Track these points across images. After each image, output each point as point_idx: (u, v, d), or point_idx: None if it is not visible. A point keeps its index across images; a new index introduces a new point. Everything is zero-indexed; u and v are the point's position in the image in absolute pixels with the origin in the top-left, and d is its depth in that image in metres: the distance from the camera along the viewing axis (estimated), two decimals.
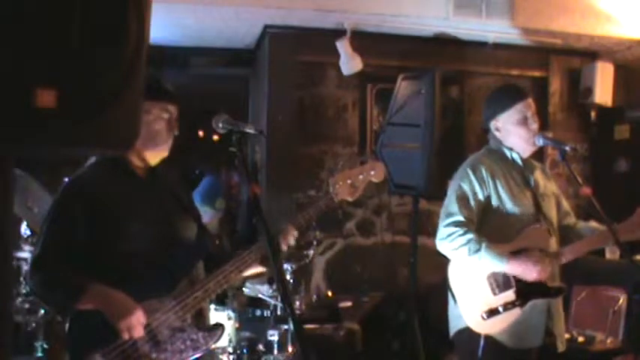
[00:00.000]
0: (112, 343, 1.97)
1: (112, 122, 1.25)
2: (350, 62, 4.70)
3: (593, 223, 2.82)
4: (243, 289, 3.86)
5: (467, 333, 2.64)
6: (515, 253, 2.60)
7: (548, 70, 5.45)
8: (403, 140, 3.86)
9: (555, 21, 4.79)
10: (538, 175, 2.82)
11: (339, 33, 4.71)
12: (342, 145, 5.04)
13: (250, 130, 2.02)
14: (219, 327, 2.19)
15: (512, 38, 4.99)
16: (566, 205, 2.92)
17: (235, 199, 6.31)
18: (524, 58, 5.34)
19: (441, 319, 2.88)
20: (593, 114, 5.54)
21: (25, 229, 3.97)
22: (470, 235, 2.59)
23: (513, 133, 2.73)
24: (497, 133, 2.79)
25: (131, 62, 1.25)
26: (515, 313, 2.59)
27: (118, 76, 1.24)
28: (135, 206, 2.17)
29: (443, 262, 2.76)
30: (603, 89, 5.28)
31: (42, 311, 3.94)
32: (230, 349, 3.72)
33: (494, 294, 2.61)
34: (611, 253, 4.65)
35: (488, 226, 2.68)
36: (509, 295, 2.59)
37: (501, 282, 2.61)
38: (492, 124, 2.79)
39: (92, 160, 2.25)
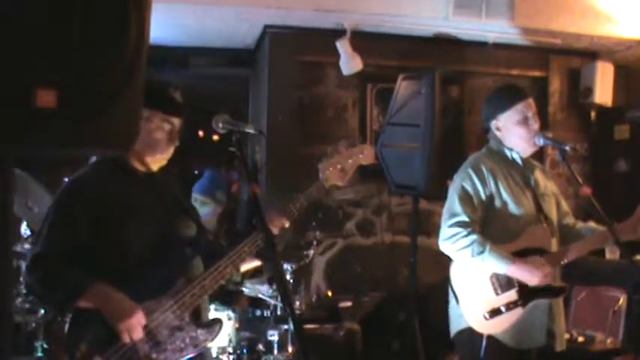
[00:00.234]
0: (111, 343, 1.97)
1: (112, 122, 1.25)
2: (350, 62, 4.70)
3: (592, 223, 2.82)
4: (243, 288, 3.86)
5: (468, 333, 2.64)
6: (519, 255, 2.60)
7: (548, 70, 5.45)
8: (403, 140, 3.86)
9: (555, 21, 4.79)
10: (538, 175, 2.82)
11: (339, 33, 4.71)
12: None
13: (250, 130, 2.02)
14: (218, 322, 2.19)
15: (512, 38, 4.99)
16: (565, 204, 2.92)
17: (235, 199, 6.30)
18: (524, 58, 5.34)
19: (441, 319, 2.88)
20: (593, 114, 5.54)
21: (25, 229, 3.97)
22: (474, 237, 2.58)
23: (514, 133, 2.73)
24: (497, 133, 2.79)
25: (131, 62, 1.26)
26: (517, 313, 2.59)
27: (118, 76, 1.24)
28: (135, 206, 2.17)
29: (443, 262, 2.76)
30: (603, 89, 5.28)
31: (42, 311, 3.93)
32: (230, 349, 3.72)
33: (497, 294, 2.61)
34: (611, 253, 4.65)
35: (489, 227, 2.68)
36: (512, 295, 2.59)
37: (504, 282, 2.61)
38: (493, 124, 2.79)
39: (92, 160, 2.25)
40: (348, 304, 4.42)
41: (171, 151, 2.24)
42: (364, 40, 4.77)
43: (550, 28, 4.82)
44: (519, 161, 2.77)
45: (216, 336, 2.18)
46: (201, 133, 8.32)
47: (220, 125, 1.97)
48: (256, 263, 2.28)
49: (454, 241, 2.62)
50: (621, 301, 3.97)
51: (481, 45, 5.05)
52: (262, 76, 5.19)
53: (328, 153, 2.34)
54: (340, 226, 5.02)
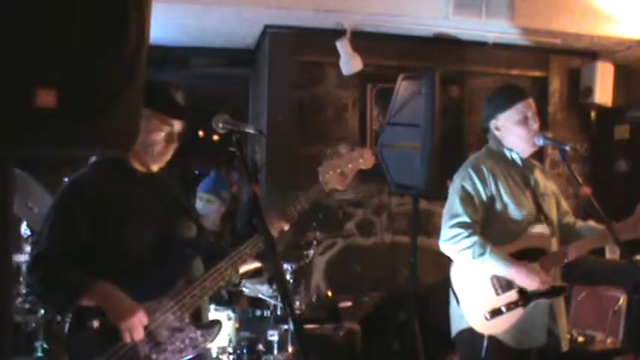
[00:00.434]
0: (112, 344, 1.97)
1: (112, 122, 1.25)
2: (350, 62, 4.70)
3: (592, 222, 2.82)
4: (243, 288, 3.86)
5: (469, 333, 2.64)
6: (519, 256, 2.59)
7: (548, 70, 5.45)
8: (403, 140, 3.86)
9: (555, 21, 4.79)
10: (538, 175, 2.81)
11: (339, 33, 4.71)
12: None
13: (250, 130, 2.02)
14: (217, 324, 2.19)
15: (512, 38, 4.99)
16: (564, 204, 2.92)
17: (235, 199, 6.30)
18: (524, 58, 5.34)
19: (441, 319, 2.87)
20: (593, 114, 5.54)
21: (25, 229, 3.97)
22: (475, 238, 2.58)
23: (513, 132, 2.73)
24: (497, 133, 2.79)
25: (131, 62, 1.26)
26: (518, 313, 2.58)
27: (118, 76, 1.24)
28: (135, 206, 2.17)
29: (443, 262, 2.76)
30: (603, 89, 5.28)
31: (42, 311, 3.93)
32: (230, 349, 3.72)
33: (497, 294, 2.60)
34: (611, 253, 4.65)
35: (489, 227, 2.68)
36: (512, 295, 2.59)
37: (504, 282, 2.61)
38: (492, 124, 2.79)
39: (92, 160, 2.25)
40: (348, 304, 4.42)
41: (170, 152, 2.24)
42: (364, 40, 4.77)
43: (550, 28, 4.82)
44: (519, 161, 2.77)
45: (215, 337, 2.18)
46: (201, 133, 8.32)
47: (220, 125, 1.97)
48: (255, 265, 2.29)
49: (455, 242, 2.61)
50: (621, 301, 3.97)
51: (481, 45, 5.05)
52: (262, 76, 5.19)
53: (328, 156, 2.34)
54: (340, 226, 5.02)
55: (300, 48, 4.89)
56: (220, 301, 3.75)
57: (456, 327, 2.75)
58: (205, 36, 5.16)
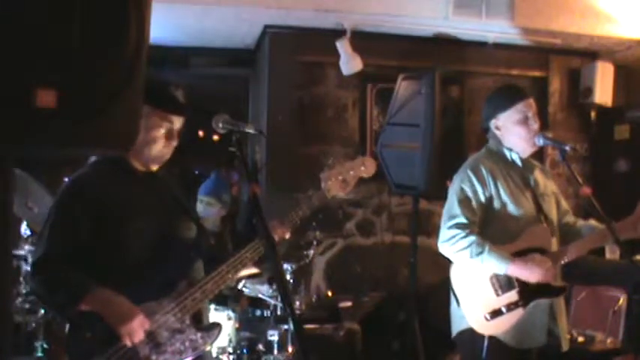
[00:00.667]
0: (112, 344, 1.97)
1: (112, 122, 1.25)
2: (350, 62, 4.70)
3: (593, 221, 2.82)
4: (244, 288, 3.86)
5: (469, 333, 2.64)
6: (518, 255, 2.60)
7: (548, 70, 5.45)
8: (403, 140, 3.86)
9: (555, 21, 4.79)
10: (538, 175, 2.81)
11: (339, 33, 4.71)
12: (342, 145, 5.05)
13: (250, 130, 2.01)
14: (217, 326, 2.19)
15: (512, 38, 4.99)
16: (564, 203, 2.92)
17: (235, 200, 6.31)
18: (524, 58, 5.34)
19: (441, 319, 2.88)
20: (593, 114, 5.54)
21: (25, 229, 3.97)
22: (472, 238, 2.58)
23: (513, 132, 2.73)
24: (497, 132, 2.79)
25: (131, 62, 1.25)
26: (519, 313, 2.59)
27: (118, 76, 1.24)
28: (135, 206, 2.17)
29: (443, 262, 2.76)
30: (603, 89, 5.28)
31: (42, 311, 3.94)
32: (230, 349, 3.72)
33: (497, 295, 2.60)
34: (611, 253, 4.65)
35: (489, 228, 2.68)
36: (512, 295, 2.59)
37: (504, 283, 2.61)
38: (492, 123, 2.79)
39: (92, 159, 2.25)
40: (348, 304, 4.42)
41: (170, 150, 2.24)
42: (364, 40, 4.77)
43: (550, 28, 4.82)
44: (519, 162, 2.76)
45: (215, 339, 2.18)
46: (201, 133, 8.32)
47: (220, 125, 1.96)
48: (253, 271, 2.30)
49: (453, 243, 2.61)
50: (621, 301, 3.97)
51: (481, 45, 5.05)
52: (262, 76, 5.19)
53: (330, 164, 2.36)
54: (340, 226, 5.02)
55: (300, 48, 4.89)
56: (221, 301, 3.75)
57: (456, 327, 2.75)
58: (205, 36, 5.16)
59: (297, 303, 3.94)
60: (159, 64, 4.83)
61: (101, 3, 1.23)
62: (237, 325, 3.80)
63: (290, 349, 3.77)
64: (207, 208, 4.24)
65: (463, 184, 2.70)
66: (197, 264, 2.25)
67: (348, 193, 2.41)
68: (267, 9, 4.49)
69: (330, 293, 4.80)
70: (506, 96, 2.79)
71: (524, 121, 2.71)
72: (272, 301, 3.86)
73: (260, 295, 3.87)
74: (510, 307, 2.58)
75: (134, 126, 1.32)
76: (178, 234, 2.25)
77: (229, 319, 3.73)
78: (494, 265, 2.57)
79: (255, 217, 1.87)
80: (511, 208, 2.67)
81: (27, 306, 3.92)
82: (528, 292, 2.59)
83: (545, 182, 2.83)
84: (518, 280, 2.59)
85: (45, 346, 3.94)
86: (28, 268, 3.39)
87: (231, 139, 1.97)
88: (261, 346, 3.89)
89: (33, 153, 1.43)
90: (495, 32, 4.88)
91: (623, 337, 3.89)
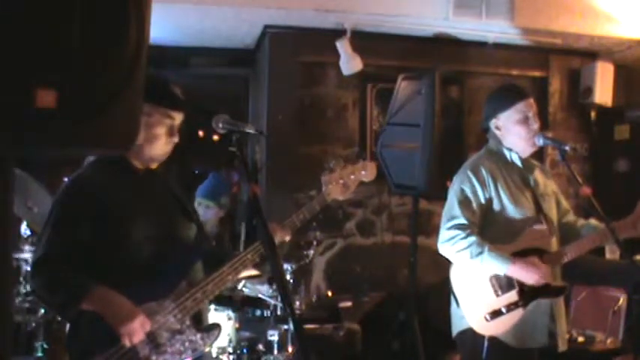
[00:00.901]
0: (113, 345, 1.97)
1: (112, 122, 1.25)
2: (350, 62, 4.70)
3: (593, 221, 2.81)
4: (244, 289, 3.86)
5: (470, 333, 2.64)
6: (518, 256, 2.59)
7: (548, 70, 5.45)
8: (403, 140, 3.86)
9: (555, 21, 4.79)
10: (538, 175, 2.81)
11: (339, 33, 4.71)
12: (342, 145, 5.05)
13: (250, 130, 2.01)
14: (217, 327, 2.20)
15: (512, 38, 4.99)
16: (565, 203, 2.92)
17: (235, 199, 6.31)
18: (524, 58, 5.34)
19: (441, 319, 2.87)
20: (593, 114, 5.55)
21: (25, 229, 3.96)
22: (472, 238, 2.58)
23: (513, 132, 2.73)
24: (497, 132, 2.78)
25: (131, 62, 1.25)
26: (518, 313, 2.58)
27: (118, 76, 1.24)
28: (135, 206, 2.17)
29: (443, 262, 2.76)
30: (603, 89, 5.28)
31: (42, 311, 3.93)
32: (230, 349, 3.71)
33: (497, 295, 2.60)
34: (611, 253, 4.65)
35: (489, 228, 2.68)
36: (512, 295, 2.59)
37: (504, 283, 2.61)
38: (492, 123, 2.78)
39: (91, 159, 2.25)
40: (348, 304, 4.42)
41: (171, 147, 2.24)
42: (364, 40, 4.77)
43: (550, 28, 4.82)
44: (518, 162, 2.76)
45: (215, 341, 2.19)
46: (201, 133, 8.32)
47: (220, 125, 1.96)
48: (252, 272, 2.30)
49: (453, 244, 2.61)
50: (621, 301, 3.97)
51: (481, 45, 5.05)
52: (262, 76, 5.19)
53: (331, 167, 2.37)
54: (340, 226, 5.02)
55: (300, 48, 4.89)
56: (221, 301, 3.75)
57: (456, 327, 2.75)
58: (205, 36, 5.16)
59: (297, 303, 3.94)
60: (159, 64, 4.83)
61: (101, 3, 1.23)
62: (237, 325, 3.79)
63: (290, 349, 3.77)
64: (205, 210, 4.23)
65: (463, 184, 2.70)
66: (197, 264, 2.25)
67: (348, 196, 2.43)
68: (267, 9, 4.50)
69: (330, 293, 4.80)
70: (507, 96, 2.78)
71: (524, 121, 2.71)
72: (272, 301, 3.86)
73: (260, 295, 3.87)
74: (510, 307, 2.58)
75: (134, 126, 1.32)
76: (178, 234, 2.26)
77: (229, 319, 3.72)
78: (493, 265, 2.57)
79: (256, 218, 1.87)
80: (511, 208, 2.67)
81: (27, 306, 3.91)
82: (528, 293, 2.59)
83: (545, 182, 2.83)
84: (518, 280, 2.59)
85: (45, 346, 3.93)
86: (28, 269, 3.39)
87: (231, 139, 1.97)
88: (261, 346, 3.89)
89: (33, 153, 1.43)
90: (495, 32, 4.88)
91: (623, 337, 3.89)
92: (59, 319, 3.81)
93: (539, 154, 3.51)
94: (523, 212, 2.67)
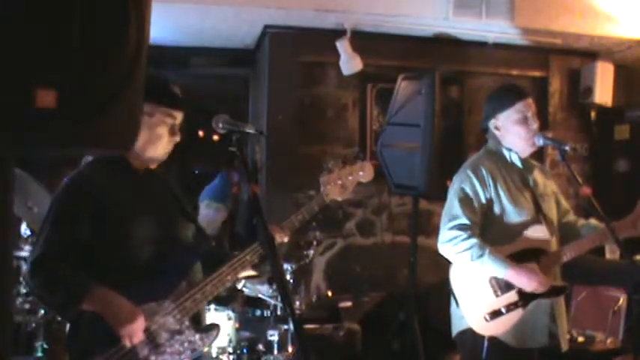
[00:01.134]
0: (112, 345, 1.97)
1: (112, 122, 1.25)
2: (350, 62, 4.70)
3: (593, 221, 2.81)
4: (244, 289, 3.86)
5: (469, 333, 2.64)
6: (518, 256, 2.59)
7: (548, 70, 5.46)
8: (403, 140, 3.86)
9: (555, 21, 4.79)
10: (537, 175, 2.81)
11: (339, 33, 4.71)
12: (342, 145, 5.05)
13: (250, 130, 2.02)
14: (215, 327, 2.20)
15: (512, 38, 4.99)
16: (565, 202, 2.92)
17: (235, 199, 6.31)
18: (524, 58, 5.34)
19: (441, 319, 2.87)
20: (593, 114, 5.55)
21: (25, 229, 3.96)
22: (473, 240, 2.58)
23: (513, 132, 2.73)
24: (496, 132, 2.78)
25: (131, 62, 1.25)
26: (519, 313, 2.58)
27: (118, 76, 1.24)
28: (134, 205, 2.17)
29: (443, 262, 2.76)
30: (603, 89, 5.28)
31: (42, 311, 3.93)
32: (230, 349, 3.72)
33: (497, 295, 2.60)
34: (611, 253, 4.65)
35: (489, 229, 2.68)
36: (512, 296, 2.59)
37: (503, 284, 2.60)
38: (492, 123, 2.78)
39: (89, 158, 2.25)
40: (348, 304, 4.42)
41: (172, 146, 2.24)
42: (364, 40, 4.77)
43: (550, 28, 4.82)
44: (518, 162, 2.76)
45: (213, 341, 2.19)
46: (201, 133, 8.32)
47: (220, 125, 1.97)
48: (251, 273, 2.30)
49: (454, 244, 2.61)
50: (621, 301, 3.97)
51: (481, 45, 5.05)
52: (262, 76, 5.19)
53: (329, 168, 2.38)
54: (340, 226, 5.02)
55: (300, 48, 4.89)
56: (221, 301, 3.75)
57: (456, 327, 2.75)
58: (205, 36, 5.16)
59: (297, 303, 3.94)
60: (159, 64, 4.83)
61: (101, 3, 1.23)
62: (237, 325, 3.80)
63: (290, 349, 3.77)
64: (215, 212, 4.24)
65: (463, 184, 2.70)
66: (196, 265, 2.25)
67: (346, 196, 2.44)
68: (267, 9, 4.50)
69: (330, 293, 4.80)
70: (506, 96, 2.78)
71: (524, 121, 2.71)
72: (272, 301, 3.86)
73: (260, 295, 3.87)
74: (510, 307, 2.58)
75: (134, 126, 1.32)
76: (178, 234, 2.26)
77: (229, 319, 3.73)
78: (493, 268, 2.57)
79: (256, 218, 1.87)
80: (510, 208, 2.67)
81: (27, 306, 3.91)
82: (528, 293, 2.58)
83: (544, 182, 2.83)
84: None
85: (45, 346, 3.93)
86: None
87: (231, 139, 1.97)
88: (261, 346, 3.89)
89: (33, 153, 1.43)
90: (495, 32, 4.88)
91: (623, 337, 3.89)
92: (59, 319, 3.81)
93: (539, 154, 3.52)
94: (522, 212, 2.67)
